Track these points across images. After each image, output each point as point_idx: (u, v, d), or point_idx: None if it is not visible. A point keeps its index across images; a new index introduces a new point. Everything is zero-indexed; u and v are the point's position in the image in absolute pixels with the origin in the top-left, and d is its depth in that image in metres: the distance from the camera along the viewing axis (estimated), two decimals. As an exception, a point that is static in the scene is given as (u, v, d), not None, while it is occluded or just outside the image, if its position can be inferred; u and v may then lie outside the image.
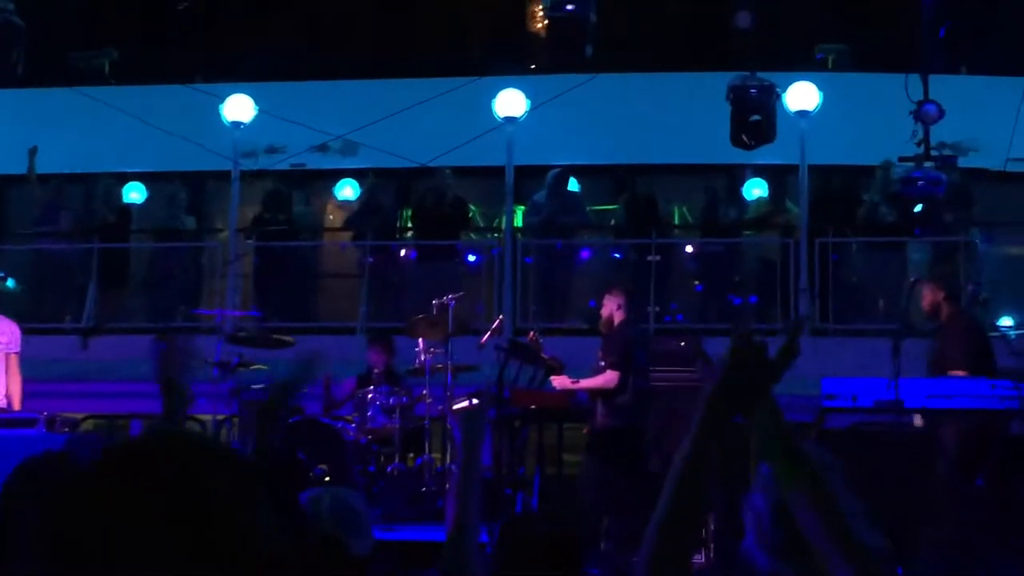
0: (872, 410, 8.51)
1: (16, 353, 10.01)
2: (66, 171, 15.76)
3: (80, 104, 15.15)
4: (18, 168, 15.49)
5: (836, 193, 14.01)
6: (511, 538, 3.57)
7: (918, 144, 11.87)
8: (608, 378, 9.20)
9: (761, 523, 2.85)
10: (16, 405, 9.91)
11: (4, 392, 9.89)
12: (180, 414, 2.87)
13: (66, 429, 9.48)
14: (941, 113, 11.73)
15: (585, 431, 9.59)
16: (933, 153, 11.85)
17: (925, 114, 11.76)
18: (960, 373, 8.97)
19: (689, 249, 14.71)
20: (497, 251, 14.27)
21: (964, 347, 9.21)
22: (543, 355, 9.79)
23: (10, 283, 14.97)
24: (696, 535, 2.27)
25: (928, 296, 9.54)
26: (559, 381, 9.53)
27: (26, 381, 10.12)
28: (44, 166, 15.49)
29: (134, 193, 15.89)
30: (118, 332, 14.10)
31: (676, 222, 15.57)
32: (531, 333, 10.07)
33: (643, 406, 9.36)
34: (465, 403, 9.90)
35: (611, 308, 9.52)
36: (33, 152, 13.82)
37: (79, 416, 11.68)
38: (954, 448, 8.66)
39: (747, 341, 2.28)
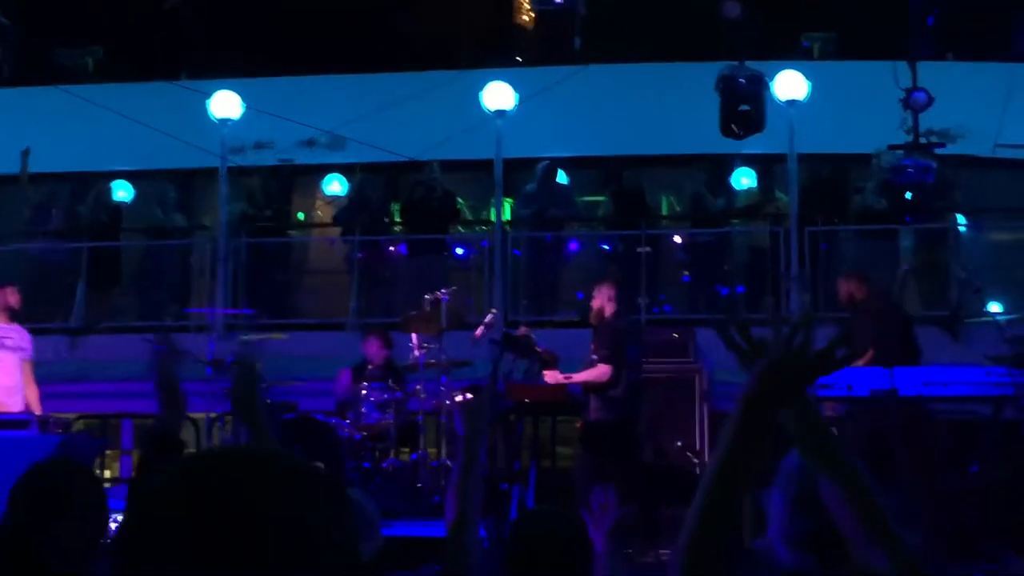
0: (868, 400, 8.53)
1: (30, 360, 10.03)
2: (53, 170, 15.70)
3: (66, 102, 15.08)
4: (5, 168, 15.43)
5: (825, 182, 14.02)
6: (524, 534, 3.55)
7: (907, 132, 11.89)
8: (600, 371, 9.20)
9: (782, 517, 2.85)
10: (37, 410, 9.92)
11: (23, 398, 9.89)
12: (180, 415, 2.84)
13: (59, 430, 9.47)
14: (930, 100, 11.75)
15: (578, 424, 9.59)
16: (921, 140, 11.86)
17: (914, 102, 11.78)
18: (861, 363, 9.01)
19: (678, 240, 14.70)
20: (487, 244, 14.24)
21: (871, 336, 9.27)
22: (537, 348, 9.77)
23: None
24: (731, 534, 2.23)
25: (845, 288, 9.57)
26: (551, 376, 9.52)
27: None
28: (31, 165, 15.43)
29: (121, 192, 15.83)
30: (108, 332, 14.05)
31: (664, 213, 15.56)
32: (522, 327, 10.06)
33: (636, 398, 9.37)
34: (462, 397, 9.90)
35: (602, 300, 9.52)
36: (26, 154, 13.75)
37: (71, 416, 11.66)
38: (861, 438, 8.70)
39: (794, 336, 2.23)
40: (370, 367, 10.40)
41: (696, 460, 10.22)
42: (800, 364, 2.21)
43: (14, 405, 9.79)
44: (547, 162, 14.34)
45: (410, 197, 14.66)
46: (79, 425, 12.40)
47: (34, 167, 14.95)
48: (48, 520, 2.84)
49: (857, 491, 2.29)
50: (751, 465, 2.18)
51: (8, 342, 9.88)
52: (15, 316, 10.11)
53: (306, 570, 1.42)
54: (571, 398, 9.57)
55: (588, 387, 9.31)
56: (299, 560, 1.42)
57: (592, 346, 9.40)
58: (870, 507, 2.29)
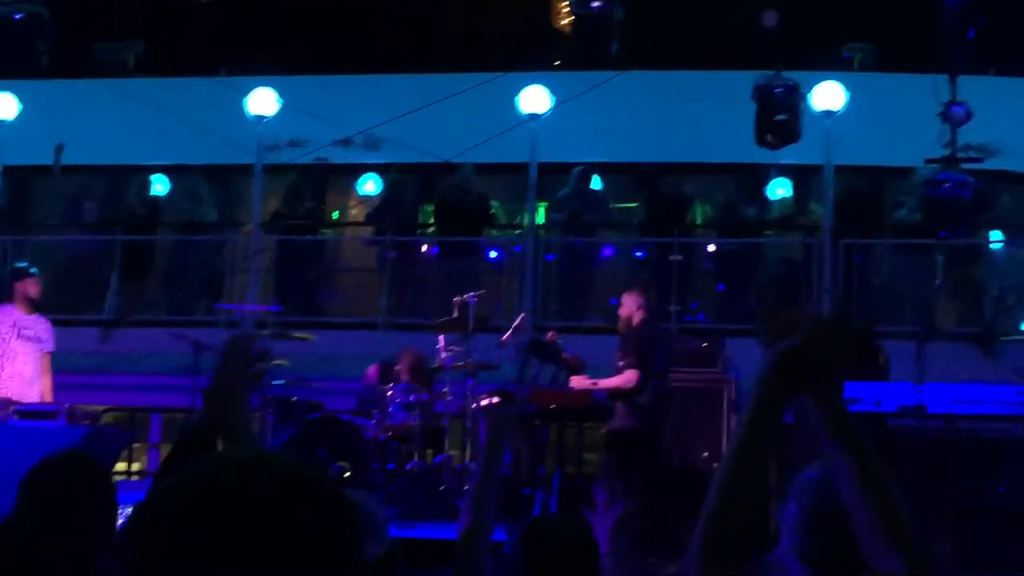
0: (895, 414, 8.45)
1: (50, 352, 10.10)
2: (90, 163, 15.80)
3: (104, 97, 15.17)
4: (42, 160, 15.53)
5: (861, 194, 13.92)
6: (530, 540, 3.53)
7: (945, 146, 11.79)
8: (627, 378, 9.15)
9: (797, 531, 2.82)
10: (48, 400, 10.01)
11: (39, 390, 9.97)
12: (240, 428, 2.75)
13: (87, 421, 9.52)
14: (969, 115, 11.64)
15: (603, 431, 9.55)
16: (959, 155, 11.77)
17: (953, 116, 11.68)
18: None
19: (711, 248, 14.63)
20: (519, 248, 14.22)
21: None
22: (564, 354, 9.74)
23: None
24: (751, 527, 2.19)
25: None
26: (578, 381, 9.49)
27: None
28: (68, 158, 15.53)
29: (158, 185, 15.91)
30: (140, 325, 14.12)
31: (699, 221, 15.49)
32: (550, 333, 10.02)
33: (662, 406, 9.32)
34: (487, 401, 9.88)
35: (630, 307, 9.47)
36: (59, 149, 13.84)
37: (100, 408, 11.71)
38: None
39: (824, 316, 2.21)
40: (397, 368, 10.40)
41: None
42: (828, 346, 2.18)
43: (32, 396, 9.86)
44: (581, 167, 14.30)
45: (443, 199, 14.67)
46: (108, 417, 12.45)
47: (71, 160, 15.06)
48: (55, 513, 2.84)
49: (878, 486, 2.23)
50: (764, 448, 2.15)
51: (27, 332, 9.95)
52: (38, 307, 10.16)
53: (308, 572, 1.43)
54: (597, 404, 9.53)
55: (614, 394, 9.27)
56: (301, 563, 1.42)
57: (619, 353, 9.36)
58: (889, 504, 2.24)
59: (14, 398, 9.69)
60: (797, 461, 2.90)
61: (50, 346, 10.16)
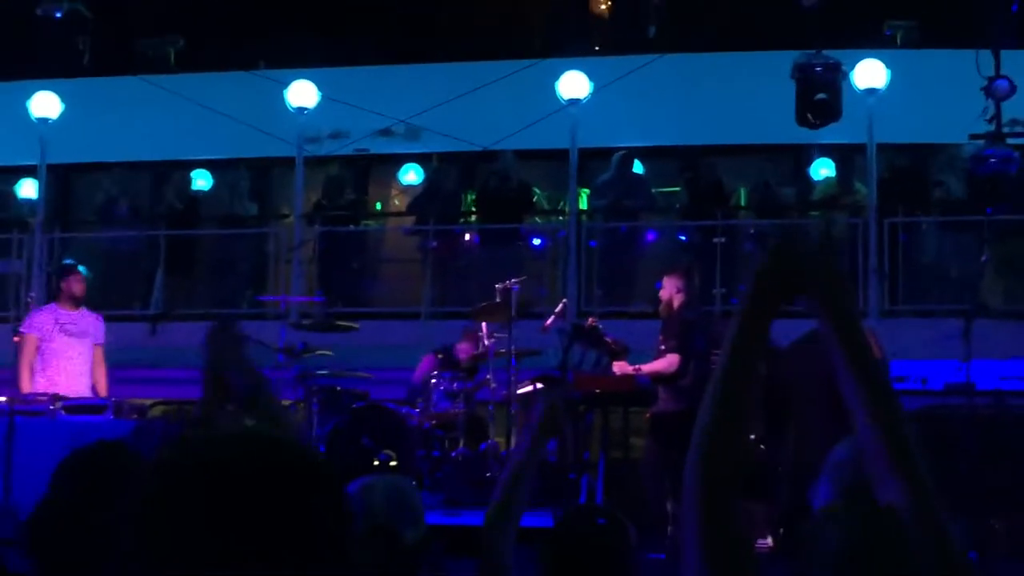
0: (942, 392, 8.37)
1: (101, 344, 10.18)
2: (132, 159, 15.92)
3: (146, 92, 15.27)
4: (85, 158, 15.68)
5: (905, 172, 13.78)
6: (562, 532, 3.51)
7: (989, 121, 11.65)
8: (669, 361, 9.10)
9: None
10: (103, 394, 10.10)
11: (90, 383, 10.05)
12: (224, 405, 2.76)
13: (134, 415, 9.59)
14: (1013, 88, 11.49)
15: (646, 416, 9.51)
16: (1004, 130, 11.62)
17: (996, 90, 11.53)
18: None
19: (754, 230, 14.52)
20: (562, 234, 14.19)
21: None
22: (607, 339, 9.71)
23: (81, 270, 15.17)
24: (745, 437, 2.21)
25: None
26: (619, 367, 9.45)
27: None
28: (111, 154, 15.67)
29: (200, 180, 16.00)
30: (186, 319, 14.20)
31: (742, 203, 15.38)
32: (590, 318, 9.99)
33: (704, 389, 9.24)
34: (537, 386, 9.87)
35: (671, 291, 9.42)
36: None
37: (148, 402, 11.79)
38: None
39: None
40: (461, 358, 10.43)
41: (768, 453, 10.09)
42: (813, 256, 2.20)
43: (82, 389, 9.95)
44: (623, 152, 14.25)
45: (485, 187, 14.66)
46: (156, 411, 12.53)
47: (114, 156, 15.20)
48: (85, 502, 2.85)
49: (883, 403, 2.19)
50: (756, 358, 2.22)
51: (72, 328, 10.03)
52: (83, 302, 10.24)
53: (294, 554, 1.43)
54: (641, 389, 9.49)
55: (656, 378, 9.22)
56: (288, 544, 1.42)
57: (660, 337, 9.31)
58: (893, 425, 2.19)
59: (62, 393, 9.77)
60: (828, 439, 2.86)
61: (101, 337, 10.24)
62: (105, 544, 2.64)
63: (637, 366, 9.32)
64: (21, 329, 10.11)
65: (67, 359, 10.00)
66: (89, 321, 10.22)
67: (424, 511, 3.31)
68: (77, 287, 10.18)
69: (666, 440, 8.94)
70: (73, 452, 3.04)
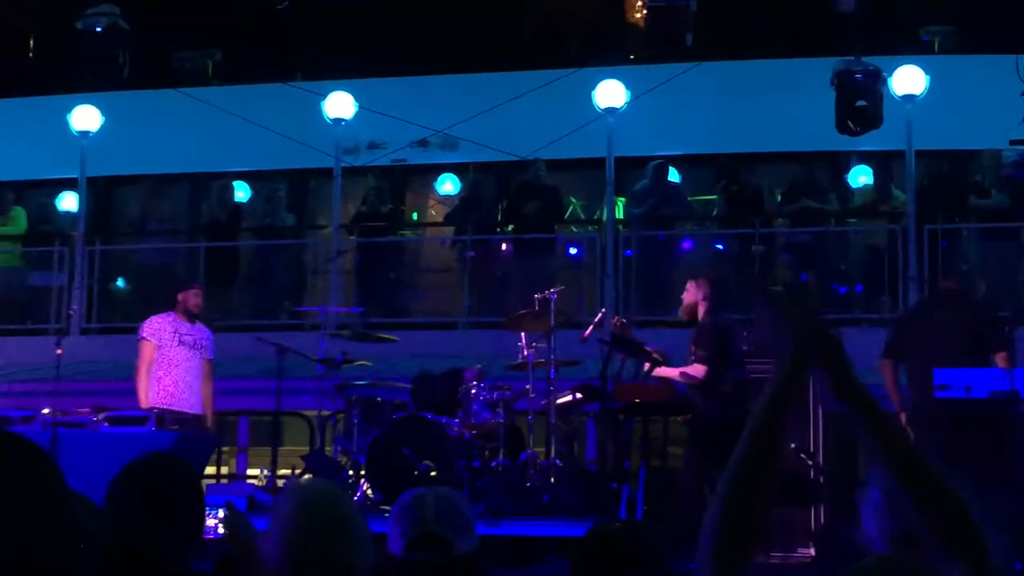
0: (987, 401, 8.30)
1: (211, 359, 10.37)
2: (171, 171, 16.02)
3: (185, 105, 15.38)
4: (126, 170, 15.79)
5: (945, 179, 13.71)
6: (588, 550, 3.48)
7: (1029, 126, 11.59)
8: (695, 370, 9.10)
9: (881, 513, 2.78)
10: (209, 410, 10.30)
11: (199, 396, 10.17)
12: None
13: (176, 427, 9.63)
14: (1053, 94, 11.42)
15: (681, 420, 9.48)
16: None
17: (1037, 95, 11.46)
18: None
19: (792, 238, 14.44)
20: (599, 243, 14.19)
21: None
22: (647, 348, 9.68)
23: (119, 282, 15.30)
24: (769, 496, 2.24)
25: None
26: (660, 371, 9.44)
27: (135, 379, 10.33)
28: (149, 167, 15.78)
29: (239, 192, 16.09)
30: (225, 330, 14.26)
31: (777, 200, 15.29)
32: (616, 319, 9.94)
33: (743, 394, 9.21)
34: (568, 398, 9.85)
35: (695, 296, 9.40)
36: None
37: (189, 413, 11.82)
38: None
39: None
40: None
41: (811, 462, 10.04)
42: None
43: (194, 402, 10.06)
44: (659, 161, 14.23)
45: (515, 196, 14.69)
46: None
47: (152, 169, 15.30)
48: (143, 515, 2.87)
49: (912, 469, 2.21)
50: (784, 419, 2.28)
51: (188, 339, 10.16)
52: (196, 316, 10.37)
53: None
54: (681, 397, 9.47)
55: (693, 385, 9.20)
56: None
57: (692, 345, 9.27)
58: (931, 492, 2.19)
59: (175, 407, 9.92)
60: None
61: (211, 353, 10.41)
62: (166, 555, 2.66)
63: (668, 370, 9.33)
64: (140, 335, 10.24)
65: (183, 370, 10.16)
66: (205, 334, 10.37)
67: (474, 522, 3.31)
68: (194, 301, 10.32)
69: (706, 450, 8.91)
70: (130, 464, 3.06)
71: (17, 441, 1.72)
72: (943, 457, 2.29)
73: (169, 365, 10.11)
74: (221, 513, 3.56)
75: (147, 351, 10.12)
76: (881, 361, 9.04)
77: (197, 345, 10.26)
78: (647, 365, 9.65)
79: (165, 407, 9.81)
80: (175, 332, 10.17)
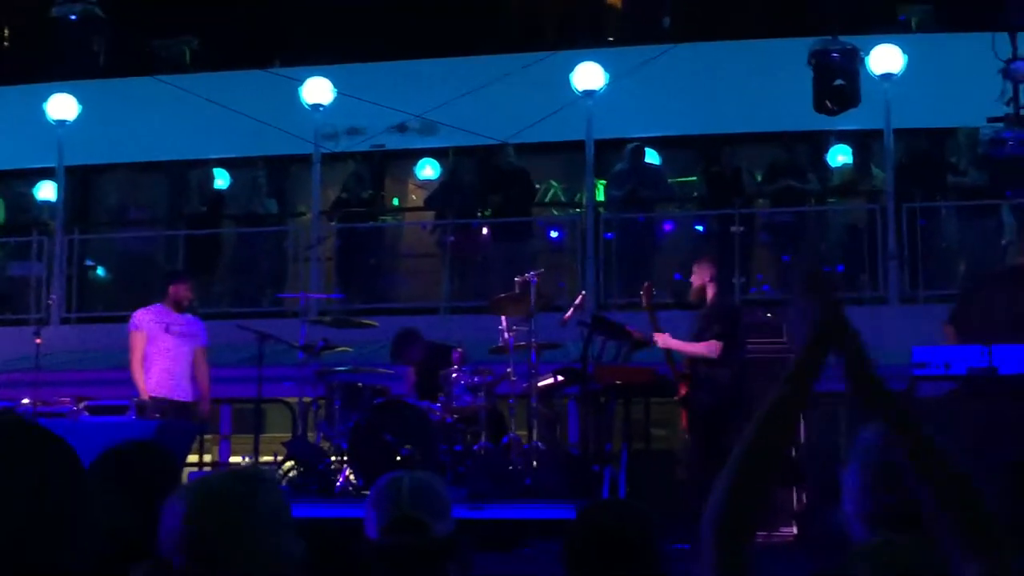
0: (965, 378, 8.32)
1: (204, 347, 10.34)
2: (150, 159, 15.96)
3: (162, 92, 15.30)
4: (102, 158, 15.71)
5: (923, 157, 13.74)
6: (584, 528, 3.49)
7: (1007, 103, 11.60)
8: (711, 347, 8.99)
9: (859, 492, 2.78)
10: (204, 398, 10.28)
11: (191, 386, 10.15)
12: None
13: (156, 415, 9.61)
14: (1031, 71, 11.43)
15: (679, 398, 9.40)
16: (1022, 113, 11.56)
17: (1015, 72, 11.47)
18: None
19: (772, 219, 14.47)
20: (580, 226, 14.19)
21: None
22: (628, 329, 9.69)
23: (99, 271, 15.26)
24: (769, 486, 2.26)
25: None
26: (662, 339, 9.29)
27: (115, 368, 10.33)
28: (127, 155, 15.70)
29: (219, 180, 16.04)
30: (206, 318, 14.21)
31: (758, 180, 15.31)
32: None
33: (744, 378, 9.19)
34: (550, 380, 9.85)
35: (703, 278, 9.35)
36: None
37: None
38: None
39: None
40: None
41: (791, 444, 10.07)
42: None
43: (185, 391, 10.05)
44: (635, 143, 14.23)
45: (485, 184, 14.70)
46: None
47: (131, 157, 15.24)
48: (120, 500, 2.86)
49: (932, 461, 2.22)
50: (796, 409, 2.36)
51: (176, 328, 10.15)
52: (186, 308, 10.40)
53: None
54: (662, 379, 9.47)
55: (694, 362, 9.12)
56: None
57: (699, 324, 9.17)
58: (951, 487, 2.20)
59: (168, 395, 9.92)
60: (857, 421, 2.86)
61: (203, 340, 10.39)
62: (142, 542, 2.64)
63: (679, 341, 9.20)
64: (130, 327, 10.23)
65: (172, 359, 10.12)
66: (194, 324, 10.38)
67: (452, 505, 3.31)
68: (184, 294, 10.32)
69: (704, 436, 8.90)
70: (104, 452, 3.05)
71: (40, 433, 1.66)
72: (993, 431, 2.35)
73: (158, 355, 10.10)
74: None
75: (138, 341, 10.10)
76: (946, 327, 9.07)
77: (186, 334, 10.26)
78: (649, 339, 9.56)
79: (158, 396, 9.81)
80: (163, 322, 10.17)
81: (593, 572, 3.37)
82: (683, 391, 9.24)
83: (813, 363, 2.35)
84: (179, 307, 10.30)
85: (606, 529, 3.42)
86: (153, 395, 9.82)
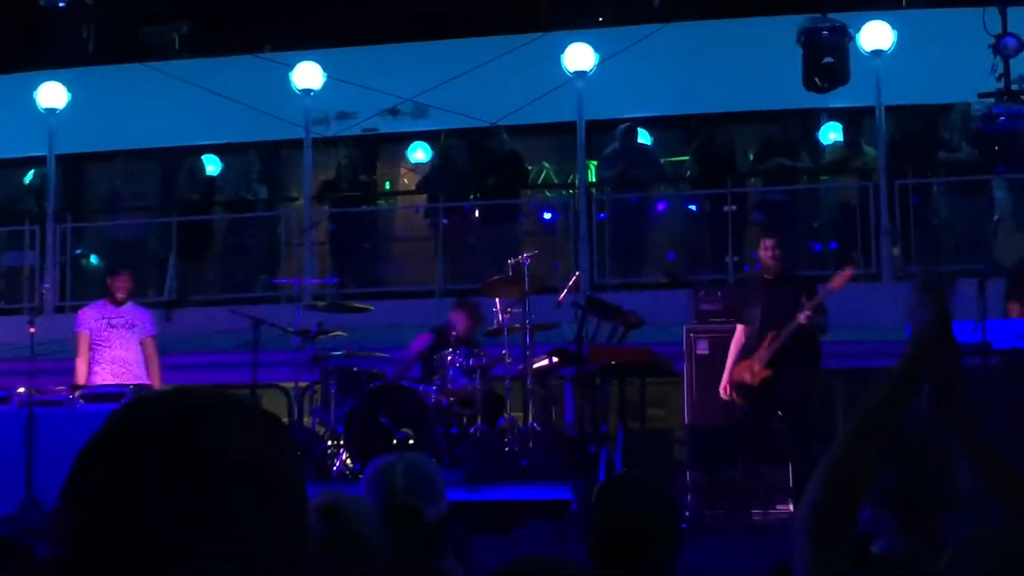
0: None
1: (151, 336, 10.56)
2: (141, 146, 15.92)
3: (152, 79, 15.26)
4: (93, 146, 15.67)
5: (915, 133, 13.73)
6: (607, 501, 3.47)
7: (998, 78, 11.60)
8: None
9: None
10: (156, 384, 10.46)
11: (139, 373, 10.27)
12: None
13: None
14: (1021, 46, 11.44)
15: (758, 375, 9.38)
16: (1013, 87, 11.58)
17: (1004, 47, 11.48)
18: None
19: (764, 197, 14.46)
20: (572, 207, 14.19)
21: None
22: (622, 310, 9.71)
23: (92, 259, 15.24)
24: (865, 488, 2.24)
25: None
26: (840, 280, 9.07)
27: (112, 356, 10.39)
28: (118, 143, 15.66)
29: (210, 166, 16.01)
30: (200, 304, 14.25)
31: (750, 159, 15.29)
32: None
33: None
34: (545, 362, 9.87)
35: (772, 251, 9.45)
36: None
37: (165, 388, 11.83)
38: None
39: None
40: (454, 333, 10.36)
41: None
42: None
43: (134, 375, 10.21)
44: (626, 124, 14.22)
45: (477, 167, 14.69)
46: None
47: (122, 144, 15.21)
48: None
49: (1006, 480, 2.30)
50: (897, 415, 2.29)
51: (117, 321, 10.32)
52: (129, 299, 10.65)
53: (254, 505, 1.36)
54: (657, 359, 9.51)
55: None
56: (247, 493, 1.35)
57: (804, 299, 9.12)
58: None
59: (111, 383, 10.01)
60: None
61: (149, 329, 10.62)
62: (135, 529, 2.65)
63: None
64: (74, 328, 10.50)
65: (117, 349, 10.35)
66: (137, 313, 10.58)
67: (445, 488, 3.32)
68: (119, 285, 10.53)
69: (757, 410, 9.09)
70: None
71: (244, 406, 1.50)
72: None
73: (102, 348, 10.35)
74: None
75: (81, 342, 10.39)
76: (1010, 303, 9.14)
77: (128, 325, 10.43)
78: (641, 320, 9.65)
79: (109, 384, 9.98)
80: (105, 318, 10.41)
81: (617, 550, 3.35)
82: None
83: (916, 365, 2.33)
84: (118, 300, 10.40)
85: (630, 504, 3.39)
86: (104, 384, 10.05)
